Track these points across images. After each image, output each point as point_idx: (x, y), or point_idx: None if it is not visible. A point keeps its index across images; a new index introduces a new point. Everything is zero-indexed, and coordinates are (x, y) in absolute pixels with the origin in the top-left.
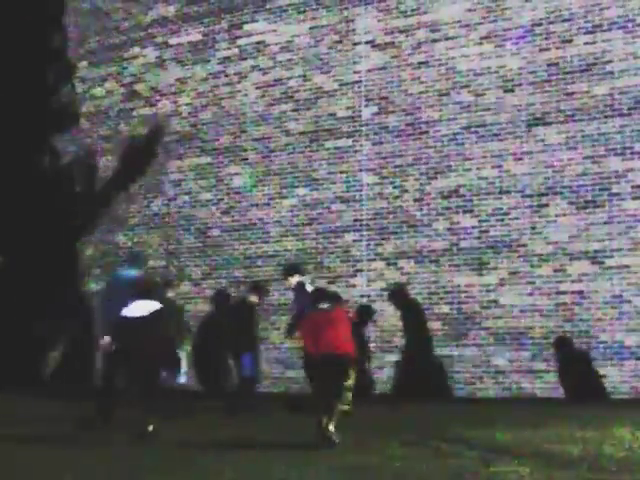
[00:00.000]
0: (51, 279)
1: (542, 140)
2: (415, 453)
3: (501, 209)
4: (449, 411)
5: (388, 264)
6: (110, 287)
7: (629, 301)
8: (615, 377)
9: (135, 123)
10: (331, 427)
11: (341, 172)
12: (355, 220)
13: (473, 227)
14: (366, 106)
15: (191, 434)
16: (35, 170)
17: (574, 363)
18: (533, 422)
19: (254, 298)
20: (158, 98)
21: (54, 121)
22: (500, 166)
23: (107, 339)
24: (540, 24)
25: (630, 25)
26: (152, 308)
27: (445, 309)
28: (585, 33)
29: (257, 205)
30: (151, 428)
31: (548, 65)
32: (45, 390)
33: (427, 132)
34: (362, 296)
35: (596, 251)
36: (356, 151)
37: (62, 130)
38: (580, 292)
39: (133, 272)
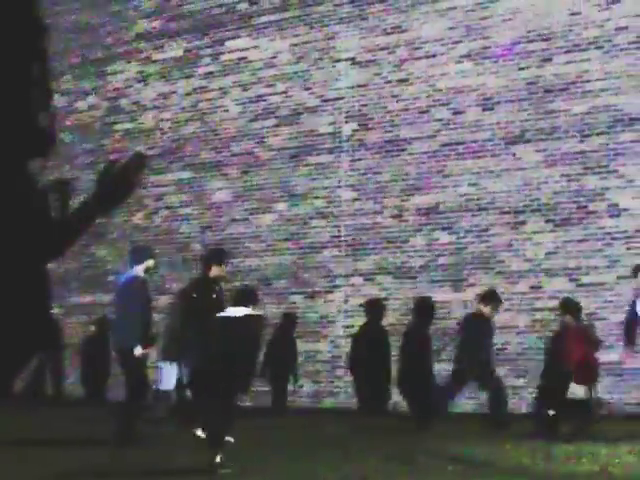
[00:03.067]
0: (23, 297)
1: (520, 158)
2: (397, 468)
3: (479, 226)
4: (428, 426)
5: (366, 280)
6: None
7: (605, 318)
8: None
9: (118, 138)
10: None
11: (321, 188)
12: (334, 236)
13: (451, 243)
14: (346, 123)
15: None
16: (13, 189)
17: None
18: (512, 437)
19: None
20: (141, 113)
21: (33, 142)
22: (478, 183)
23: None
24: (519, 42)
25: (608, 45)
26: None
27: None
28: (564, 52)
29: (237, 220)
30: (219, 459)
31: (527, 83)
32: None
33: (406, 149)
34: (340, 311)
35: (572, 268)
36: (336, 167)
37: (41, 152)
38: (556, 309)
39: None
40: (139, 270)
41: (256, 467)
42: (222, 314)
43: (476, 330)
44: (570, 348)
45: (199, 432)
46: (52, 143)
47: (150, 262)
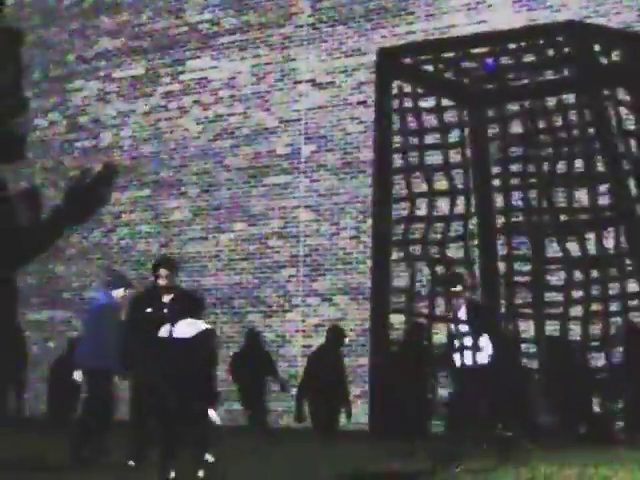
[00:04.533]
0: None
1: None
2: None
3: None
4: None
5: (323, 300)
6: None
7: None
8: None
9: (77, 155)
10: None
11: (279, 208)
12: (292, 256)
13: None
14: (305, 144)
15: None
16: None
17: None
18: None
19: None
20: (100, 130)
21: (4, 148)
22: None
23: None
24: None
25: None
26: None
27: None
28: None
29: (195, 239)
30: (202, 474)
31: None
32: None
33: (365, 171)
34: (297, 331)
35: None
36: (294, 188)
37: (8, 161)
38: None
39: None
40: (114, 295)
41: None
42: (167, 333)
43: None
44: None
45: (131, 462)
46: (23, 151)
47: (121, 291)
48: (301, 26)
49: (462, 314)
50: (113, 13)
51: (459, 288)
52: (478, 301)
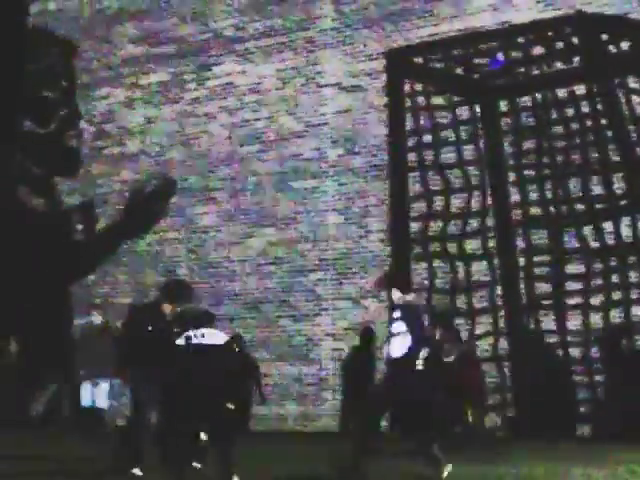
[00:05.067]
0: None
1: None
2: None
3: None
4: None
5: (353, 303)
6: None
7: None
8: None
9: (104, 162)
10: None
11: (307, 212)
12: (320, 259)
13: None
14: (332, 147)
15: None
16: (33, 210)
17: None
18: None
19: None
20: (127, 137)
21: (59, 163)
22: None
23: None
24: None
25: None
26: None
27: None
28: None
29: (223, 244)
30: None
31: None
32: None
33: None
34: (327, 335)
35: None
36: (322, 192)
37: (66, 174)
38: None
39: None
40: None
41: None
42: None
43: None
44: None
45: (136, 471)
46: (79, 163)
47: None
48: (325, 30)
49: (397, 314)
50: (138, 20)
51: (398, 294)
52: (414, 305)
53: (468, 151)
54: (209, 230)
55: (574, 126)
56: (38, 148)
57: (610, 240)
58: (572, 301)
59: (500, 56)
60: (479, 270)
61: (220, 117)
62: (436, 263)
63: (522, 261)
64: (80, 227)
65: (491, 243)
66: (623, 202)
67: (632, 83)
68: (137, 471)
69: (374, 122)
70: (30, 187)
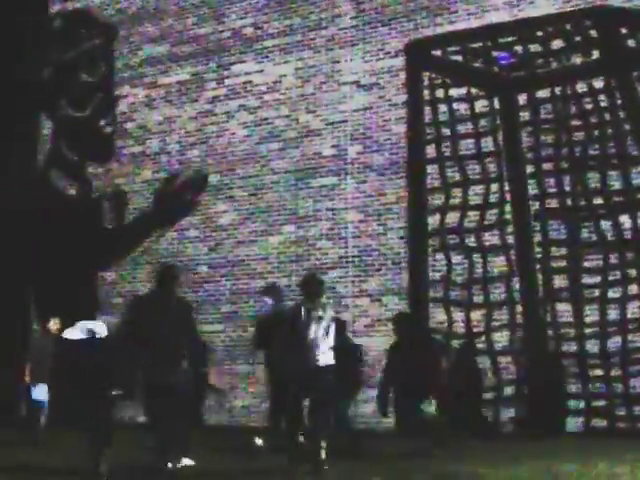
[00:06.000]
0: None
1: None
2: None
3: (496, 245)
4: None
5: (373, 300)
6: None
7: None
8: None
9: (125, 162)
10: None
11: (327, 210)
12: (340, 257)
13: (458, 264)
14: (351, 145)
15: None
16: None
17: None
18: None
19: None
20: (147, 137)
21: (92, 149)
22: None
23: None
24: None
25: None
26: None
27: None
28: None
29: (243, 242)
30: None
31: None
32: None
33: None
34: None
35: None
36: (341, 189)
37: (99, 160)
38: None
39: None
40: None
41: None
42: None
43: None
44: None
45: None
46: (112, 151)
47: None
48: (344, 28)
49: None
50: (157, 19)
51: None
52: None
53: (486, 143)
54: (229, 228)
55: (593, 119)
56: (72, 131)
57: (627, 234)
58: (589, 294)
59: (505, 55)
60: (496, 263)
61: (240, 116)
62: (453, 256)
63: (539, 253)
64: (111, 214)
65: (509, 236)
66: None
67: None
68: (188, 461)
69: (393, 120)
70: (63, 171)
